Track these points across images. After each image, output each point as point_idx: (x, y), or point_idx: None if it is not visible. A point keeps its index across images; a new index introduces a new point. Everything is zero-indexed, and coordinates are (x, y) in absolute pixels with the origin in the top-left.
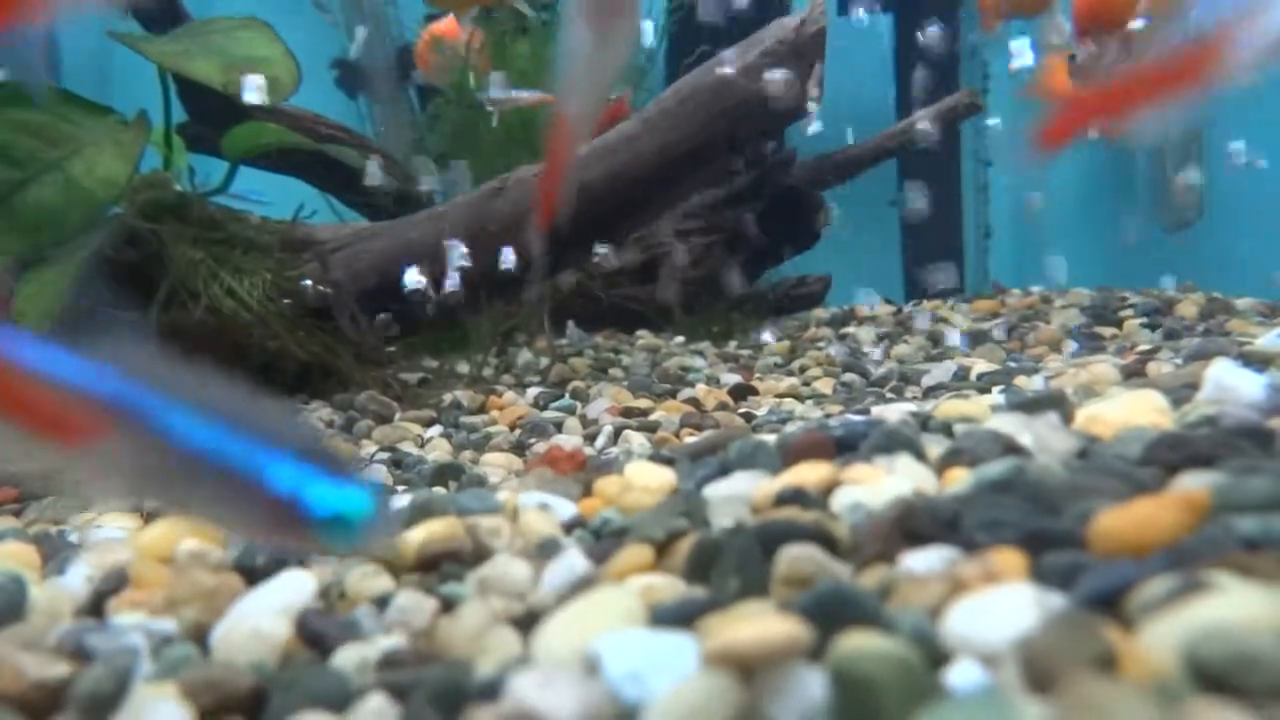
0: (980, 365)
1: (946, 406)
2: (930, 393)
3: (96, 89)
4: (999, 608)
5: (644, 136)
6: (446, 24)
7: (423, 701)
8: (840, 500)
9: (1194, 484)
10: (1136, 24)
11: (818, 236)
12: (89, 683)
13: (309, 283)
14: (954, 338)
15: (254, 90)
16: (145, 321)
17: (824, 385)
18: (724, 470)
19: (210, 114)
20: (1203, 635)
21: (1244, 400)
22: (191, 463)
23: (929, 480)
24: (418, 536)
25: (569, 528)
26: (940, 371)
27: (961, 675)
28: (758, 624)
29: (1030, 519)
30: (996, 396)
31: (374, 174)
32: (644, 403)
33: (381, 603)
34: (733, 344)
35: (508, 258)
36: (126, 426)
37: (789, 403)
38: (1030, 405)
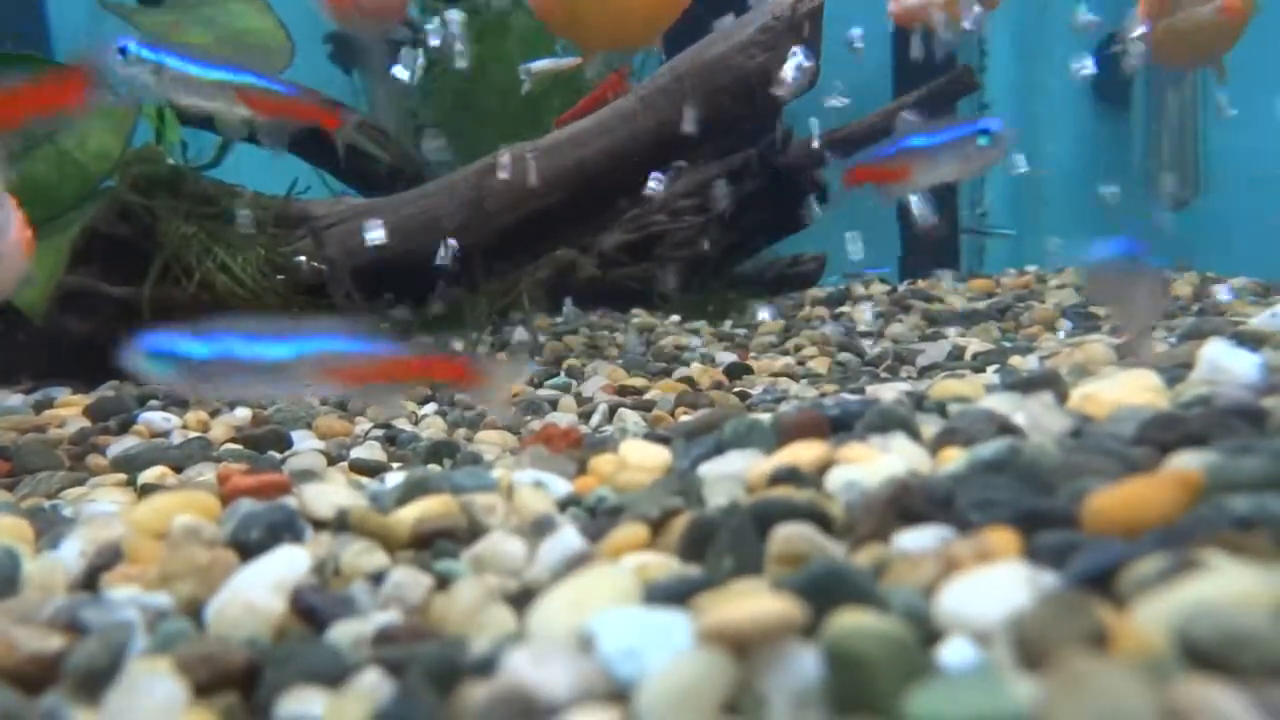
0: (975, 345)
1: (941, 386)
2: (925, 372)
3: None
4: (992, 586)
5: (640, 115)
6: None
7: (418, 677)
8: (835, 479)
9: (1187, 463)
10: None
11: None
12: (83, 656)
13: (303, 259)
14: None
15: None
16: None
17: (819, 364)
18: (719, 449)
19: None
20: (1194, 614)
21: (1238, 380)
22: None
23: (923, 460)
24: (412, 513)
25: (564, 505)
26: (935, 351)
27: (954, 653)
28: (752, 602)
29: (1023, 498)
30: (991, 376)
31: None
32: (639, 381)
33: (376, 579)
34: (728, 323)
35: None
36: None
37: (784, 382)
38: (1025, 385)
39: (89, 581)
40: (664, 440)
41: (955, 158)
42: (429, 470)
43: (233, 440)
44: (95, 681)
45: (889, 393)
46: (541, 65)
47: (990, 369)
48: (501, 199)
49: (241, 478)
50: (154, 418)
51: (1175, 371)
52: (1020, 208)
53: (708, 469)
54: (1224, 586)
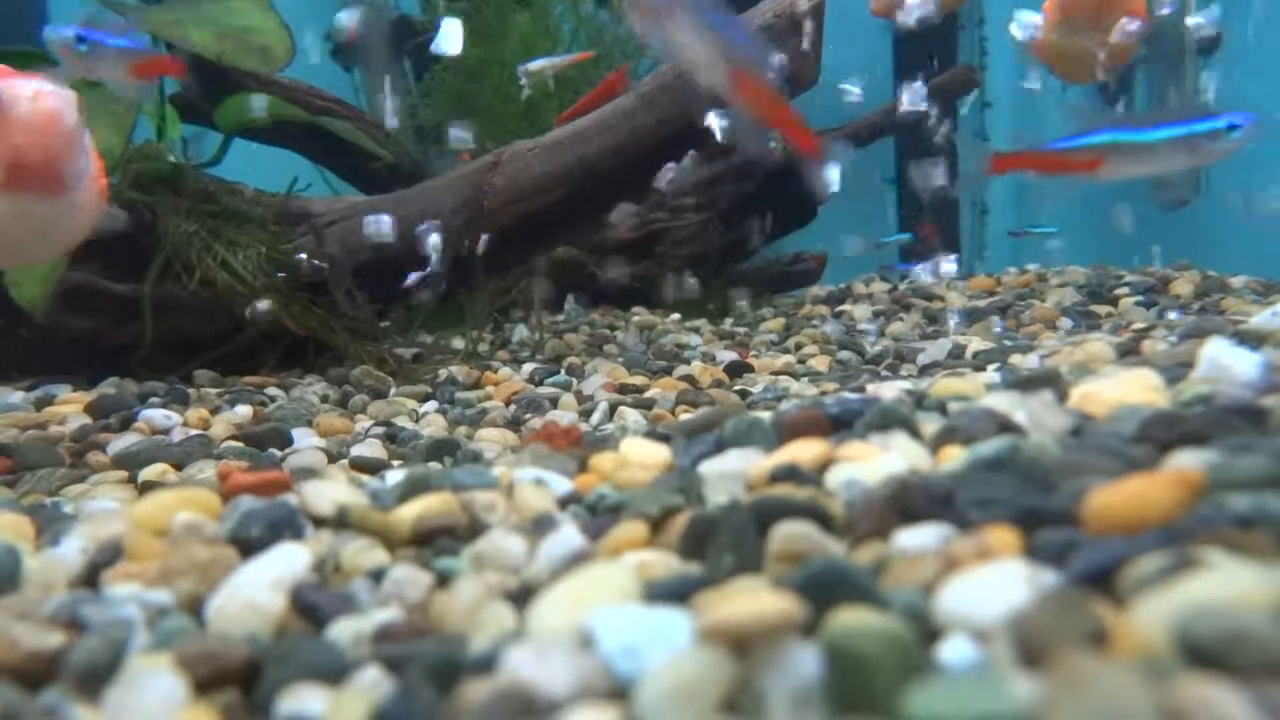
0: (976, 343)
1: (942, 384)
2: (926, 370)
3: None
4: (992, 585)
5: (641, 112)
6: None
7: (418, 675)
8: (835, 477)
9: (1188, 462)
10: None
11: (813, 214)
12: (84, 653)
13: (304, 256)
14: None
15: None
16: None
17: (819, 363)
18: (719, 447)
19: (204, 85)
20: (1194, 612)
21: (1238, 378)
22: None
23: (924, 458)
24: (413, 511)
25: (564, 503)
26: (935, 349)
27: (954, 651)
28: (751, 600)
29: (1024, 497)
30: (992, 374)
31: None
32: (639, 379)
33: (377, 576)
34: (728, 321)
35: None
36: None
37: (784, 380)
38: (1025, 383)
39: (89, 578)
40: (664, 438)
41: (1187, 151)
42: (429, 468)
43: (233, 437)
44: (96, 678)
45: (889, 391)
46: (538, 65)
47: (991, 367)
48: (502, 196)
49: (242, 475)
50: (155, 415)
51: (1176, 370)
52: (1021, 205)
53: (708, 467)
54: (1224, 585)
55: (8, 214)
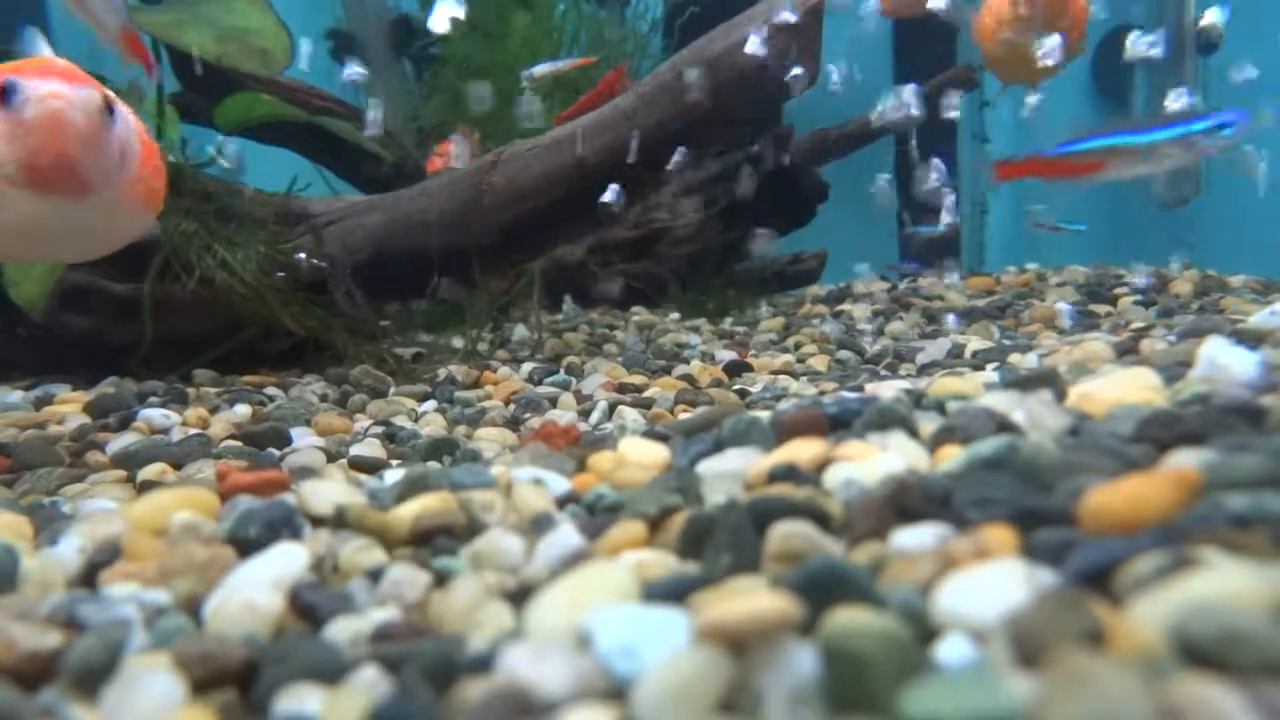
0: (974, 343)
1: (940, 384)
2: (924, 370)
3: (89, 57)
4: (989, 584)
5: (641, 112)
6: None
7: (415, 674)
8: (833, 477)
9: (1185, 461)
10: None
11: (813, 213)
12: (81, 653)
13: (303, 256)
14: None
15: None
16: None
17: (819, 362)
18: (718, 447)
19: (203, 84)
20: (1191, 611)
21: (1236, 378)
22: None
23: (922, 457)
24: (411, 510)
25: (562, 503)
26: (935, 349)
27: (951, 650)
28: (749, 600)
29: (1021, 496)
30: (990, 374)
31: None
32: (638, 379)
33: (374, 576)
34: (728, 320)
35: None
36: None
37: (784, 379)
38: (1023, 383)
39: (87, 578)
40: (663, 438)
41: (1181, 149)
42: (428, 467)
43: (232, 437)
44: (93, 678)
45: (888, 390)
46: (543, 69)
47: (989, 367)
48: (501, 196)
49: (240, 474)
50: (154, 414)
51: (1174, 369)
52: (1019, 203)
53: (706, 466)
54: (1221, 584)
55: (40, 213)
